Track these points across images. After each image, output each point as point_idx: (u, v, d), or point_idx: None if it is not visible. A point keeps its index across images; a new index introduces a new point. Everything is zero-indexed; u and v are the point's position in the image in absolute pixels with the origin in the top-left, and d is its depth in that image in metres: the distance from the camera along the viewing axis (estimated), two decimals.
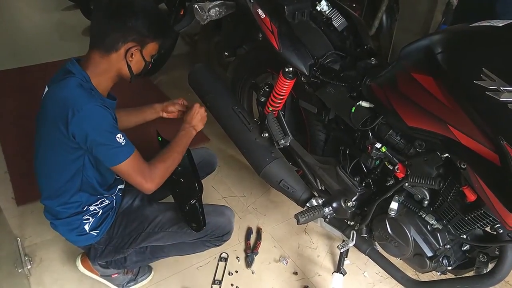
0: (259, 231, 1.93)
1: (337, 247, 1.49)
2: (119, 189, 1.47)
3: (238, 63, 2.13)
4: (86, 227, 1.37)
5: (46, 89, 1.26)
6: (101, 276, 1.61)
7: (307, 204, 1.55)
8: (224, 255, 1.80)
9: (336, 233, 1.64)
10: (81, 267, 1.61)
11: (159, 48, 1.31)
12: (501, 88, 0.88)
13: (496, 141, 0.91)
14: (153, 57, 1.32)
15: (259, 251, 1.83)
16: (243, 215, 2.02)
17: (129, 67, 1.25)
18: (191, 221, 1.38)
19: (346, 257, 1.75)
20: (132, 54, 1.22)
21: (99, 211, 1.38)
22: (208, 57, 2.80)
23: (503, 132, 0.90)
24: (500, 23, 1.01)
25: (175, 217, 1.42)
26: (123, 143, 1.19)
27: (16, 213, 1.93)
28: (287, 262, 1.81)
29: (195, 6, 1.74)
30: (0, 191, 2.03)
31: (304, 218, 1.46)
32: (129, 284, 1.64)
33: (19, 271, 1.62)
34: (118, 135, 1.19)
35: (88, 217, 1.37)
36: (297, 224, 1.47)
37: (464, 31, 1.09)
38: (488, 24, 1.03)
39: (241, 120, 1.70)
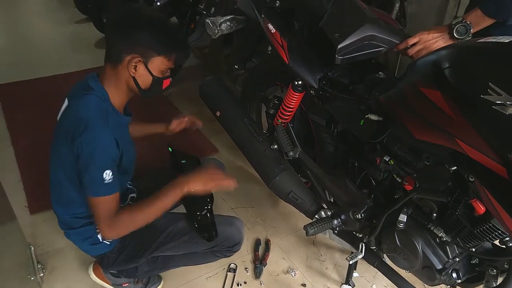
0: (267, 243, 1.94)
1: (346, 258, 1.49)
2: (130, 197, 1.50)
3: (247, 76, 2.17)
4: (99, 236, 1.39)
5: (66, 102, 1.29)
6: (112, 285, 1.63)
7: (316, 216, 1.56)
8: (232, 266, 1.81)
9: (345, 245, 1.65)
10: (93, 276, 1.63)
11: (174, 63, 1.27)
12: (507, 102, 0.90)
13: (504, 154, 0.93)
14: (165, 73, 1.28)
15: (267, 262, 1.84)
16: (252, 226, 2.03)
17: (134, 80, 1.24)
18: (202, 231, 1.40)
19: (355, 269, 1.75)
20: (135, 66, 1.21)
21: None
22: (217, 70, 2.85)
23: (510, 145, 0.92)
24: (506, 39, 1.03)
25: (186, 227, 1.44)
26: (106, 181, 1.17)
27: (29, 221, 1.96)
28: (295, 274, 1.82)
29: (207, 20, 1.79)
30: (14, 199, 2.07)
31: (313, 230, 1.48)
32: None
33: (32, 278, 1.65)
34: (107, 171, 1.17)
35: None
36: (306, 235, 1.48)
37: (471, 47, 1.11)
38: (494, 40, 1.05)
39: (250, 132, 1.73)
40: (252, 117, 2.08)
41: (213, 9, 2.63)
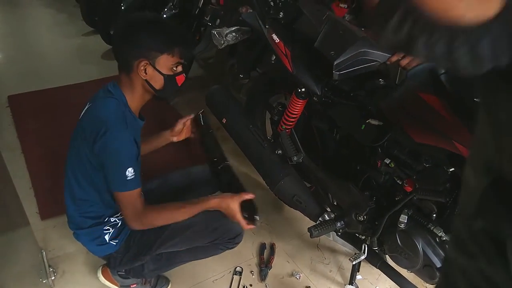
0: (272, 246, 1.98)
1: (349, 259, 1.54)
2: None
3: (252, 85, 2.24)
4: (106, 237, 1.46)
5: (87, 105, 1.38)
6: (120, 286, 1.67)
7: (320, 218, 1.61)
8: (238, 269, 1.85)
9: (348, 247, 1.70)
10: (101, 278, 1.68)
11: (180, 57, 1.32)
12: None
13: None
14: (175, 69, 1.33)
15: (272, 265, 1.88)
16: (257, 231, 2.08)
17: (147, 83, 1.31)
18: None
19: (358, 271, 1.79)
20: (144, 69, 1.27)
21: (118, 222, 1.47)
22: (222, 79, 2.92)
23: None
24: None
25: (188, 223, 1.46)
26: (129, 177, 1.27)
27: (40, 227, 2.02)
28: (300, 276, 1.86)
29: (213, 31, 1.86)
30: (25, 206, 2.12)
31: (317, 232, 1.52)
32: None
33: (44, 281, 1.69)
34: (129, 169, 1.27)
35: (108, 227, 1.46)
36: (310, 237, 1.53)
37: None
38: None
39: (256, 138, 1.79)
40: (257, 124, 2.14)
41: (218, 20, 2.71)
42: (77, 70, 3.64)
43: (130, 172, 1.26)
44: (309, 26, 1.55)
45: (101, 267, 1.71)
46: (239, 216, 1.36)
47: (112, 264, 1.55)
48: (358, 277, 1.81)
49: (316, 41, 1.50)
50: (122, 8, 3.26)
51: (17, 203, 2.09)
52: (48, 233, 1.99)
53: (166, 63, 1.31)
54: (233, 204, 1.35)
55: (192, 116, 1.66)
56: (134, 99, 1.36)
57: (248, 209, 1.40)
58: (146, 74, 1.29)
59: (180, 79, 1.37)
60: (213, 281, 1.80)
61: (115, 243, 1.47)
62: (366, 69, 1.44)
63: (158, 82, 1.33)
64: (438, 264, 1.29)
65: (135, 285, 1.68)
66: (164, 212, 1.38)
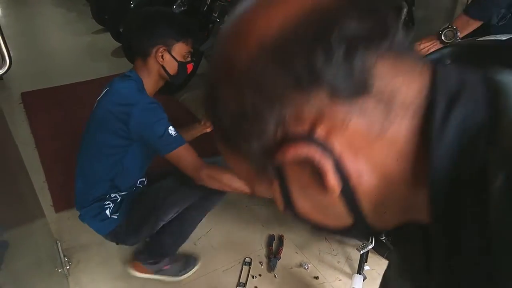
0: (281, 238, 2.02)
1: (357, 249, 1.57)
2: (140, 181, 1.64)
3: None
4: (107, 211, 1.54)
5: (105, 89, 1.47)
6: (155, 273, 1.72)
7: None
8: (248, 259, 1.89)
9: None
10: (136, 273, 1.73)
11: (191, 47, 1.48)
12: None
13: None
14: (186, 57, 1.48)
15: (281, 256, 1.91)
16: (266, 223, 2.11)
17: (163, 68, 1.44)
18: None
19: (366, 262, 1.81)
20: (161, 55, 1.41)
21: (118, 198, 1.56)
22: None
23: None
24: (503, 37, 1.11)
25: (174, 185, 1.54)
26: (173, 135, 1.37)
27: (54, 219, 2.08)
28: (308, 267, 1.89)
29: (222, 28, 1.89)
30: (40, 199, 2.17)
31: None
32: (181, 273, 1.76)
33: (59, 271, 1.74)
34: (170, 128, 1.37)
35: (108, 202, 1.54)
36: None
37: (471, 44, 1.20)
38: (493, 38, 1.14)
39: None
40: None
41: (226, 17, 2.74)
42: (87, 67, 3.71)
43: (172, 130, 1.37)
44: None
45: (129, 265, 1.76)
46: None
47: (121, 239, 1.61)
48: (366, 267, 1.84)
49: None
50: (131, 6, 3.31)
51: (34, 196, 2.15)
52: (62, 225, 2.05)
53: (180, 50, 1.45)
54: None
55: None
56: (150, 83, 1.46)
57: None
58: (163, 59, 1.42)
59: (189, 67, 1.51)
60: (222, 271, 1.84)
61: (116, 217, 1.55)
62: None
63: (172, 68, 1.46)
64: None
65: (167, 267, 1.73)
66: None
